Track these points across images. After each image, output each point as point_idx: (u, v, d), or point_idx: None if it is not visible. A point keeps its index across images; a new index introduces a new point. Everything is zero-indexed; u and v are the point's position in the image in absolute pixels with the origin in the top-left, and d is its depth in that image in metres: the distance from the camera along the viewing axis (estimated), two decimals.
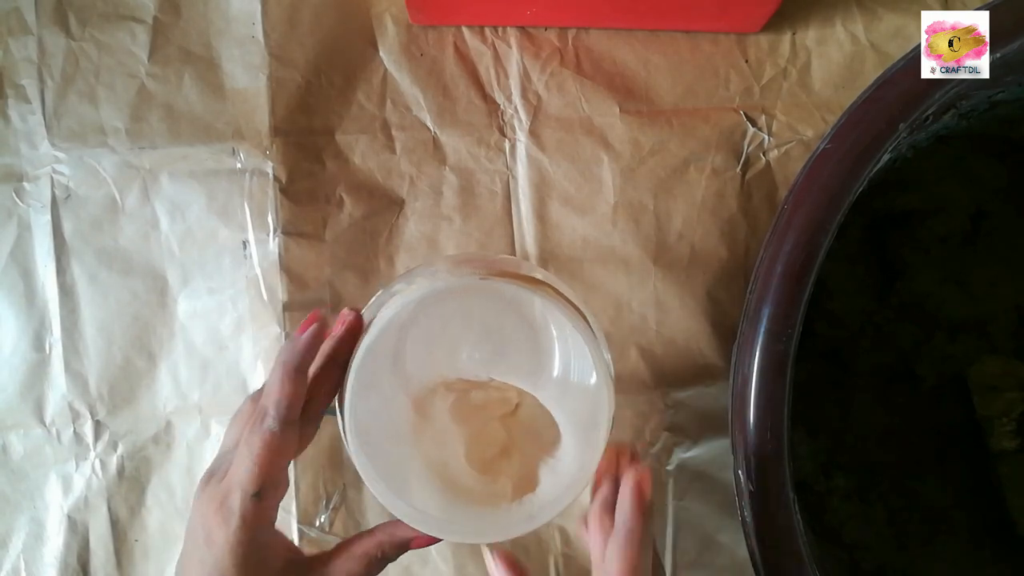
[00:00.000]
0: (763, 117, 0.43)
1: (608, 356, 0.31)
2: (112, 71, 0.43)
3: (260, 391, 0.29)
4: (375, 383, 0.30)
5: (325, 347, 0.30)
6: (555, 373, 0.31)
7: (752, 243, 0.43)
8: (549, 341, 0.30)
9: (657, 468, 0.43)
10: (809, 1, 0.43)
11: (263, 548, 0.27)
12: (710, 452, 0.43)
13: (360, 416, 0.29)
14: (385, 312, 0.29)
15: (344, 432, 0.29)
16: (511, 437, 0.34)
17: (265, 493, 0.27)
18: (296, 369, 0.27)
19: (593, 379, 0.30)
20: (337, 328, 0.30)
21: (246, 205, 0.43)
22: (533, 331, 0.30)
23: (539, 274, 0.33)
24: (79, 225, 0.43)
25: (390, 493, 0.29)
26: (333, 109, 0.43)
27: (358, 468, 0.29)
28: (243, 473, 0.26)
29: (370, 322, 0.30)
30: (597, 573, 0.30)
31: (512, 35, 0.43)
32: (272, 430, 0.27)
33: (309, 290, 0.43)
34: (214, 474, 0.28)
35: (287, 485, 0.28)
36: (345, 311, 0.30)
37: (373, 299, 0.33)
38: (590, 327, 0.30)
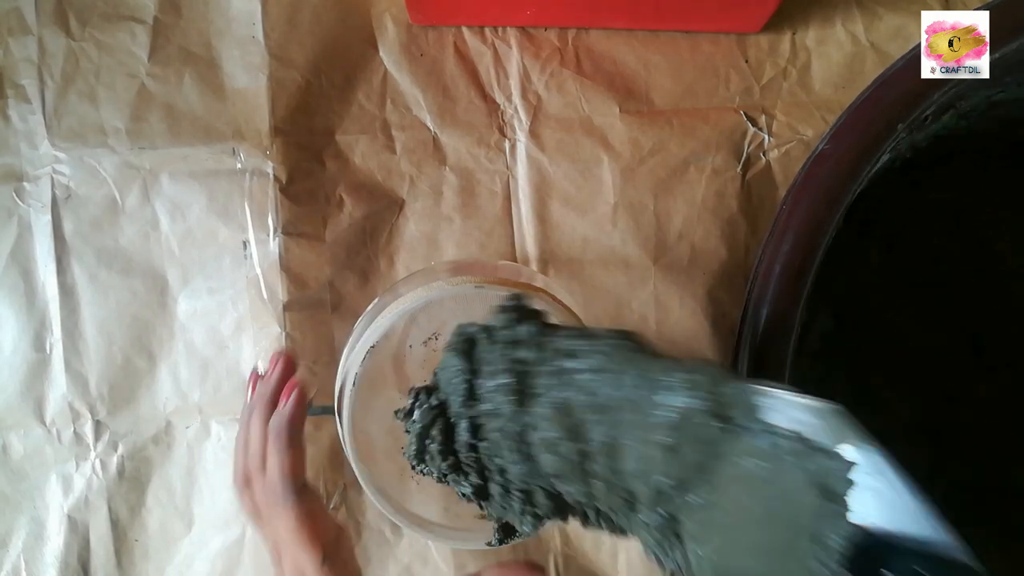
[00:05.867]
0: (763, 117, 0.43)
1: None
2: (112, 71, 0.43)
3: (257, 378, 0.32)
4: (374, 389, 0.30)
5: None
6: None
7: (752, 243, 0.43)
8: None
9: None
10: (809, 1, 0.43)
11: None
12: None
13: (359, 422, 0.29)
14: (382, 320, 0.29)
15: (343, 437, 0.29)
16: None
17: (329, 553, 0.28)
18: (290, 438, 0.29)
19: None
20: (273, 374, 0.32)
21: (246, 205, 0.43)
22: None
23: (539, 281, 0.33)
24: (79, 225, 0.43)
25: (387, 501, 0.29)
26: (333, 109, 0.43)
27: (358, 475, 0.29)
28: (301, 555, 0.28)
29: (370, 328, 0.30)
30: None
31: (512, 35, 0.43)
32: (293, 503, 0.28)
33: (309, 290, 0.43)
34: (247, 477, 0.30)
35: (343, 529, 0.30)
36: (277, 353, 0.32)
37: (371, 305, 0.34)
38: None
